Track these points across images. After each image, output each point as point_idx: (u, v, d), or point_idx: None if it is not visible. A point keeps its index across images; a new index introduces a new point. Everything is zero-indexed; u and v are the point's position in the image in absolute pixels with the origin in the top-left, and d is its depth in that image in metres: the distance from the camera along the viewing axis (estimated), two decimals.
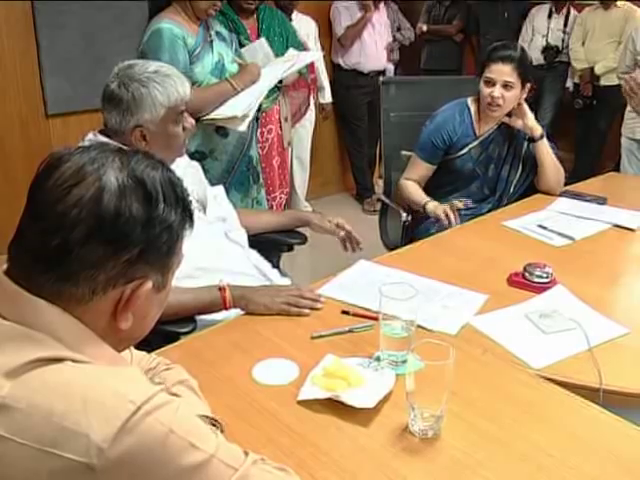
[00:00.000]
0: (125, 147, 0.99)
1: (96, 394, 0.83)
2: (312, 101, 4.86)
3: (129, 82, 1.80)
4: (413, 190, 2.89)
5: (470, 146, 2.82)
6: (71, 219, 0.87)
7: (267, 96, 3.04)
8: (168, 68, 1.87)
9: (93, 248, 0.87)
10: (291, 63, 2.98)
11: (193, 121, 1.93)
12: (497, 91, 2.66)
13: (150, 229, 0.91)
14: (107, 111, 1.83)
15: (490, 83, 2.69)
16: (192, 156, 2.59)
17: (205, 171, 2.55)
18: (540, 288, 1.97)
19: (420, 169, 2.89)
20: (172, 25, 2.63)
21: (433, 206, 2.75)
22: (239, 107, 2.72)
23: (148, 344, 1.27)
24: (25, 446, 0.80)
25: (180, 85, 1.86)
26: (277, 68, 2.95)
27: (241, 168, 2.98)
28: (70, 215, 0.87)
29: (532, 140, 2.79)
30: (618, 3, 5.24)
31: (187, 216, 0.98)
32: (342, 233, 2.34)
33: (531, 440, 1.33)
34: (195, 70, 2.69)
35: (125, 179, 0.90)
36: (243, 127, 2.75)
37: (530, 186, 2.91)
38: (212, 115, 2.72)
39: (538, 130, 2.77)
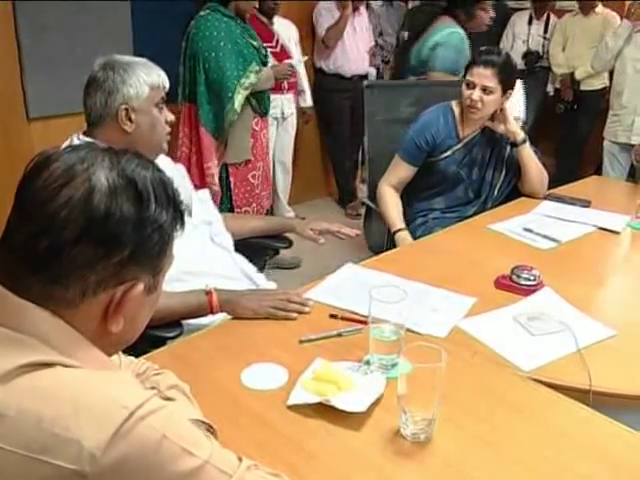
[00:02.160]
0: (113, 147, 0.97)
1: (88, 399, 0.81)
2: (294, 105, 4.87)
3: (114, 65, 1.83)
4: (391, 206, 2.88)
5: (454, 149, 2.82)
6: (61, 219, 0.85)
7: None
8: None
9: (83, 249, 0.85)
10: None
11: (173, 116, 1.94)
12: (476, 94, 2.68)
13: (141, 230, 0.89)
14: (90, 95, 1.83)
15: (470, 86, 2.70)
16: None
17: None
18: (527, 291, 1.97)
19: (401, 170, 2.88)
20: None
21: (401, 240, 2.75)
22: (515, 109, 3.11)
23: (134, 349, 1.24)
24: (14, 453, 0.78)
25: (161, 72, 1.89)
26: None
27: None
28: (60, 215, 0.85)
29: (514, 145, 2.80)
30: (597, 9, 5.29)
31: (178, 216, 0.96)
32: (322, 240, 2.35)
33: (523, 442, 1.33)
34: None
35: (115, 179, 0.88)
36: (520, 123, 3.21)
37: (514, 189, 2.92)
38: None
39: (520, 135, 2.79)
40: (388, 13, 6.17)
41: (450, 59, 3.11)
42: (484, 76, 2.66)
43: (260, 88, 3.63)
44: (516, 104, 3.24)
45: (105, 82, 1.81)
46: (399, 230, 2.78)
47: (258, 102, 3.71)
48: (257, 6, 3.83)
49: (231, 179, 3.75)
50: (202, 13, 3.53)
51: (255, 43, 3.65)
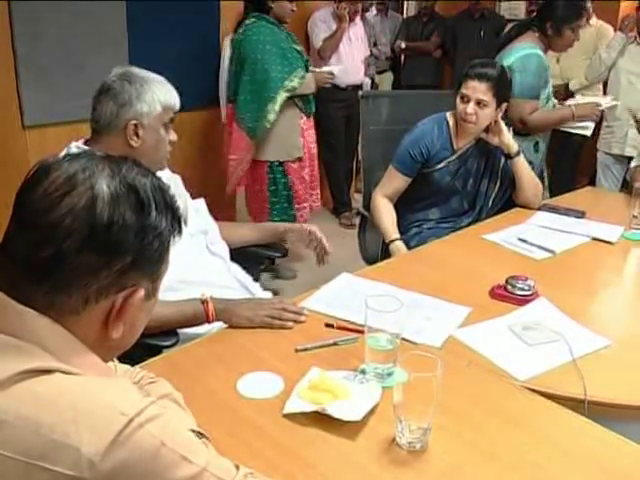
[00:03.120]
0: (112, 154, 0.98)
1: (86, 406, 0.81)
2: None
3: (131, 77, 1.83)
4: (385, 216, 2.88)
5: (448, 160, 2.82)
6: (63, 228, 0.85)
7: None
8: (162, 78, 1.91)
9: (86, 258, 0.86)
10: (604, 102, 3.58)
11: (176, 136, 1.93)
12: (470, 108, 2.68)
13: (143, 237, 0.90)
14: (102, 103, 1.83)
15: (465, 99, 2.70)
16: None
17: None
18: (522, 300, 1.98)
19: (396, 181, 2.88)
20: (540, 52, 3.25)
21: (396, 250, 2.76)
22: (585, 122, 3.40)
23: (131, 357, 1.25)
24: (13, 459, 0.78)
25: (175, 93, 1.89)
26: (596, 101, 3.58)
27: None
28: (62, 224, 0.85)
29: (509, 157, 2.81)
30: (591, 21, 5.32)
31: (176, 222, 0.97)
32: (314, 243, 2.35)
33: (519, 452, 1.33)
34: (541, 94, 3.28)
35: (117, 186, 0.89)
36: (589, 132, 3.46)
37: (509, 200, 2.93)
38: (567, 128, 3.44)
39: (514, 147, 2.79)
40: (382, 23, 6.21)
41: (528, 85, 3.10)
42: (479, 90, 2.67)
43: (301, 92, 3.93)
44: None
45: (120, 94, 1.81)
46: (394, 240, 2.79)
47: (303, 103, 4.04)
48: (294, 9, 4.05)
49: (290, 176, 4.07)
50: (248, 21, 3.88)
51: (299, 48, 3.96)
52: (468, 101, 2.68)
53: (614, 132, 4.45)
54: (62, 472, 0.77)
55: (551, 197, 3.19)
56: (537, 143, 3.39)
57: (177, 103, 1.90)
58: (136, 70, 1.87)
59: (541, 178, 3.49)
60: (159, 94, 1.84)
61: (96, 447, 0.78)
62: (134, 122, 1.81)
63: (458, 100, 2.73)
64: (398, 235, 2.81)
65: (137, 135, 1.82)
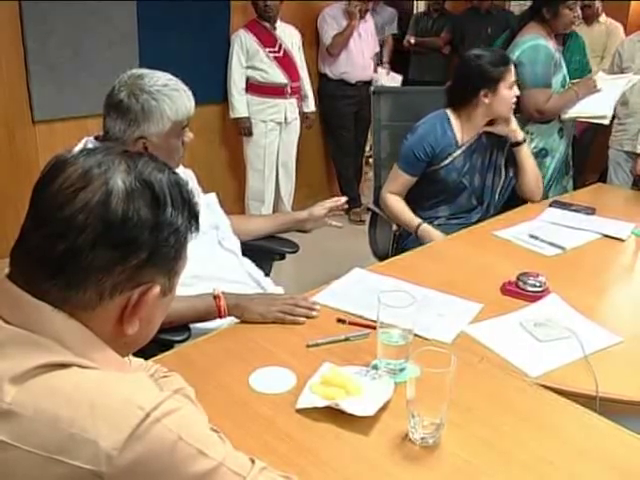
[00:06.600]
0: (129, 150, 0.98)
1: (104, 400, 0.82)
2: (297, 110, 4.88)
3: (139, 93, 1.77)
4: (400, 209, 2.89)
5: (454, 155, 2.81)
6: (78, 224, 0.85)
7: None
8: (177, 82, 1.84)
9: (100, 253, 0.86)
10: (626, 81, 3.47)
11: (192, 135, 1.91)
12: (517, 90, 2.76)
13: (158, 233, 0.89)
14: (111, 118, 1.79)
15: (511, 87, 2.74)
16: (538, 154, 3.25)
17: (545, 168, 3.30)
18: (534, 297, 1.97)
19: (402, 181, 2.88)
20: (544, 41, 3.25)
21: (426, 232, 2.76)
22: (602, 108, 3.29)
23: (142, 352, 1.25)
24: (31, 453, 0.78)
25: (187, 100, 1.84)
26: (616, 83, 3.43)
27: (562, 163, 3.48)
28: (77, 220, 0.85)
29: (517, 144, 2.84)
30: (600, 19, 5.31)
31: (193, 218, 0.97)
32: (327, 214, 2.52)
33: (531, 448, 1.33)
34: (553, 80, 3.27)
35: (133, 182, 0.89)
36: (607, 121, 3.34)
37: (514, 193, 2.95)
38: (576, 114, 3.32)
39: (521, 135, 2.84)
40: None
41: (539, 74, 3.15)
42: (514, 73, 2.75)
43: None
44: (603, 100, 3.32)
45: (128, 113, 1.77)
46: (420, 225, 2.79)
47: None
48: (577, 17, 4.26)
49: None
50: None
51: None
52: (512, 87, 2.73)
53: (626, 129, 4.43)
54: (80, 466, 0.78)
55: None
56: (561, 129, 3.39)
57: (191, 109, 1.85)
58: (146, 79, 1.79)
59: (567, 164, 3.50)
60: (169, 111, 1.79)
61: (114, 441, 0.78)
62: (143, 141, 1.79)
63: (504, 91, 2.73)
64: (420, 220, 2.82)
65: (146, 150, 1.77)
